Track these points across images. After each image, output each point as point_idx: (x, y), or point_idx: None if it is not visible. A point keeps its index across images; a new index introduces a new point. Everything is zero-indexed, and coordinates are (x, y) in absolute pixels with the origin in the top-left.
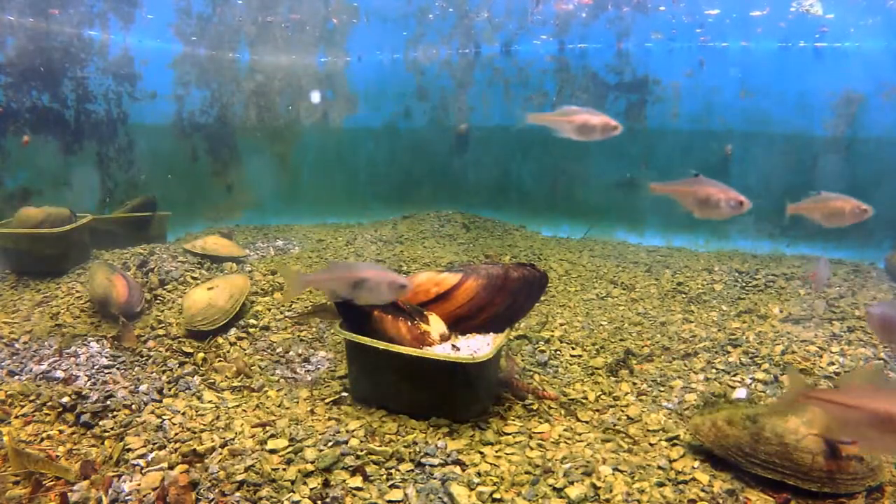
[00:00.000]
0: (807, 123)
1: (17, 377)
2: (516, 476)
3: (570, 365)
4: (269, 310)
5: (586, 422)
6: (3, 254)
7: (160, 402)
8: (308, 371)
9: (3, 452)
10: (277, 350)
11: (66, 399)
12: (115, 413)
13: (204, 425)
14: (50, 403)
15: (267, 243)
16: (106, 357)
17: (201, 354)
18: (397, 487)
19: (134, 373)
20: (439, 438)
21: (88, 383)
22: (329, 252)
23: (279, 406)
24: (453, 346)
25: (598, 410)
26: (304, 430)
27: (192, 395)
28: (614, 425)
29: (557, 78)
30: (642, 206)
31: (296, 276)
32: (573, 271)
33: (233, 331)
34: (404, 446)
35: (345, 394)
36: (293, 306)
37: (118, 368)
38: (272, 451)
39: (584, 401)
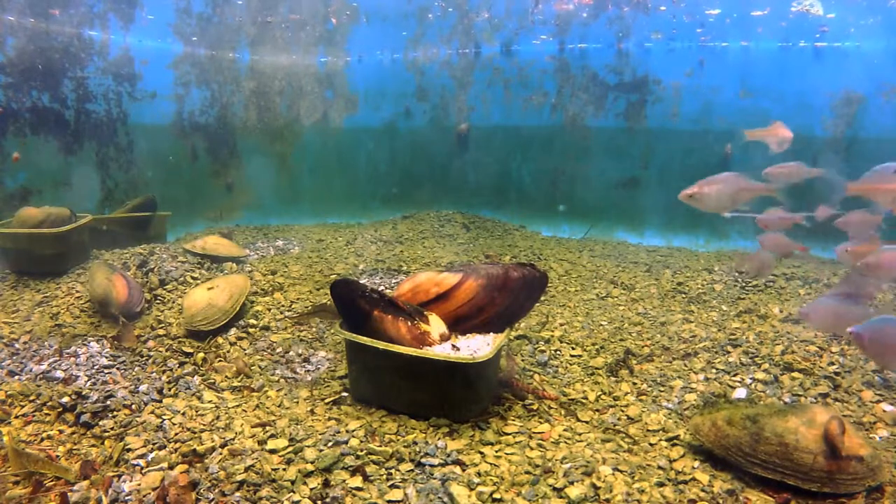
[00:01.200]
0: (807, 123)
1: (17, 377)
2: (516, 476)
3: (570, 365)
4: (269, 310)
5: (586, 422)
6: (3, 254)
7: (160, 402)
8: (308, 371)
9: (3, 452)
10: (277, 350)
11: (66, 399)
12: (115, 413)
13: (204, 425)
14: (50, 403)
15: (267, 243)
16: (106, 357)
17: (201, 354)
18: (397, 487)
19: (134, 373)
20: (439, 438)
21: (88, 383)
22: (329, 252)
23: (279, 406)
24: (453, 346)
25: (598, 410)
26: (304, 430)
27: (192, 395)
28: (614, 425)
29: (557, 78)
30: (642, 206)
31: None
32: (573, 271)
33: (233, 331)
34: (404, 446)
35: (345, 394)
36: (293, 306)
37: (118, 368)
38: (272, 451)
39: (584, 401)
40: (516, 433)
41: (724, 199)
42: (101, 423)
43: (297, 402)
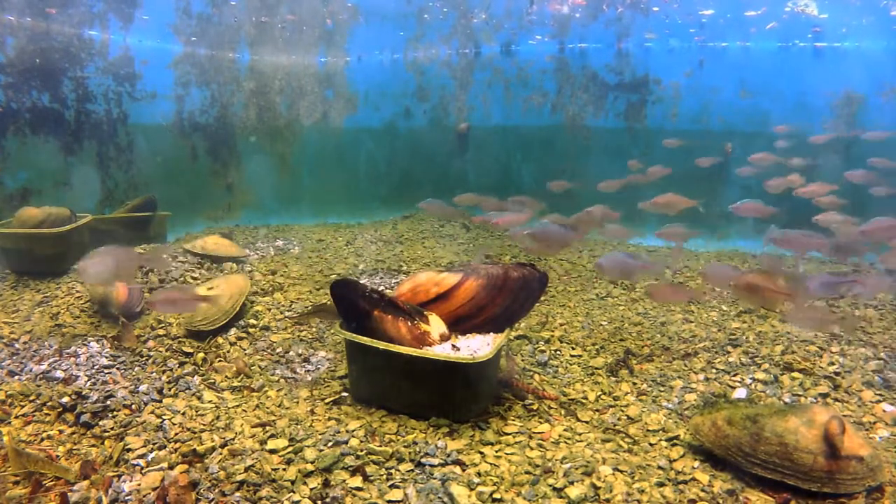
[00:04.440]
0: (807, 123)
1: (17, 377)
2: (516, 476)
3: (570, 365)
4: (269, 310)
5: (586, 422)
6: (3, 254)
7: (160, 402)
8: (308, 371)
9: (3, 452)
10: (277, 350)
11: (66, 399)
12: (115, 413)
13: (204, 425)
14: (50, 403)
15: (267, 243)
16: (106, 357)
17: (201, 354)
18: (397, 487)
19: (134, 373)
20: (439, 438)
21: (88, 383)
22: (329, 252)
23: (279, 406)
24: (453, 346)
25: (598, 410)
26: (304, 430)
27: (192, 395)
28: (614, 425)
29: (557, 78)
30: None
31: None
32: (573, 271)
33: (233, 331)
34: (404, 446)
35: (345, 394)
36: (293, 306)
37: (118, 368)
38: (272, 451)
39: (584, 401)
40: (516, 433)
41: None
42: (101, 423)
43: (297, 402)
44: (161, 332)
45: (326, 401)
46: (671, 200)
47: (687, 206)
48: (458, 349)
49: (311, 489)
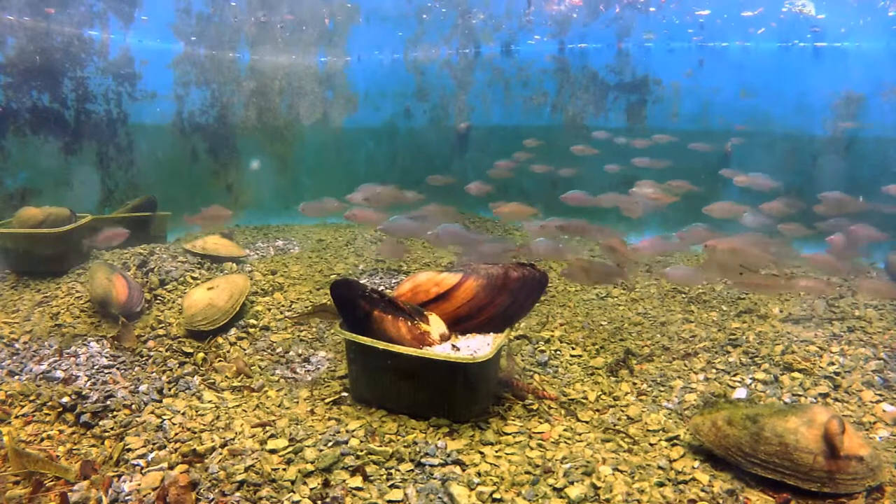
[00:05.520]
0: (807, 123)
1: (17, 377)
2: (516, 476)
3: (570, 365)
4: (269, 310)
5: (586, 422)
6: (3, 254)
7: (160, 402)
8: (308, 371)
9: (3, 452)
10: (277, 350)
11: (66, 399)
12: (115, 413)
13: (204, 425)
14: (50, 403)
15: (267, 243)
16: (106, 357)
17: (201, 354)
18: (397, 487)
19: (134, 373)
20: (439, 438)
21: (88, 383)
22: (329, 252)
23: (279, 406)
24: (453, 346)
25: (598, 410)
26: (304, 430)
27: (192, 395)
28: (614, 425)
29: (557, 78)
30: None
31: None
32: None
33: (233, 331)
34: (404, 446)
35: (345, 394)
36: (293, 306)
37: (118, 368)
38: (272, 451)
39: (584, 401)
40: (516, 433)
41: None
42: (101, 423)
43: (297, 402)
44: (161, 332)
45: (326, 401)
46: (515, 209)
47: (530, 213)
48: (458, 349)
49: (311, 489)
